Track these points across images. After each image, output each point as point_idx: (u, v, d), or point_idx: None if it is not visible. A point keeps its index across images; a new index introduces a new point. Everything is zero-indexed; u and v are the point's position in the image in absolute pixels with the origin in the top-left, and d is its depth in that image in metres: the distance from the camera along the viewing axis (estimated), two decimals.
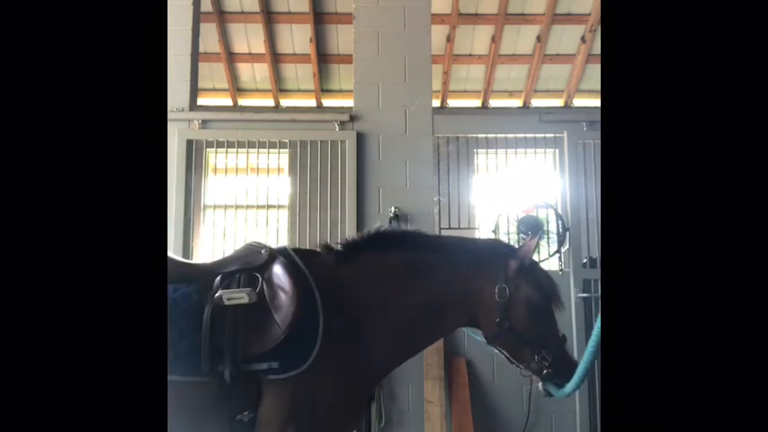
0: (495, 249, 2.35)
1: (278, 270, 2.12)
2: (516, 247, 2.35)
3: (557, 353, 2.23)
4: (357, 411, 2.24)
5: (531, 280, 2.28)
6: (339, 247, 2.31)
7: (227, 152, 4.45)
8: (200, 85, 5.58)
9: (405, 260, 2.28)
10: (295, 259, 2.18)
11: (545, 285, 2.31)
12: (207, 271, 2.16)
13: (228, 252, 2.50)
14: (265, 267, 2.16)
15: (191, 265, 2.29)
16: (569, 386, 2.11)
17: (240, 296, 2.02)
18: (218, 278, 2.12)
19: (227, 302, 2.02)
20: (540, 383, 2.28)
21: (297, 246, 4.40)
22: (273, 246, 2.27)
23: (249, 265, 2.17)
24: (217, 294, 2.03)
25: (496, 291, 2.23)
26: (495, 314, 2.23)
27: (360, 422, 2.25)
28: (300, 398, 2.00)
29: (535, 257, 4.54)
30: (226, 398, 1.99)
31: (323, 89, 7.98)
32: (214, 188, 5.72)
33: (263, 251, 2.20)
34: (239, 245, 2.43)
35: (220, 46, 7.48)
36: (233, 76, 7.81)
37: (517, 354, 2.29)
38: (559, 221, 4.89)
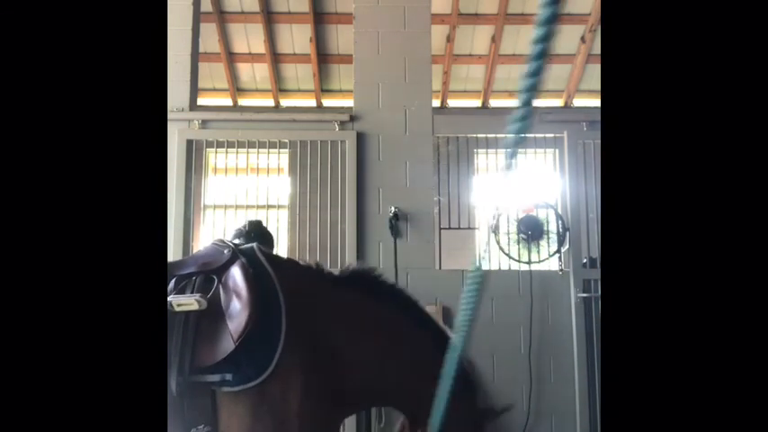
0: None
1: (236, 272, 1.93)
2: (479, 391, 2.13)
3: None
4: (334, 425, 2.07)
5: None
6: (336, 271, 2.16)
7: (227, 152, 4.45)
8: (201, 85, 5.58)
9: (389, 311, 2.09)
10: (261, 261, 1.99)
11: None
12: None
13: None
14: (224, 269, 1.98)
15: None
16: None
17: (189, 302, 1.87)
18: (173, 281, 1.96)
19: (176, 309, 1.86)
20: None
21: (297, 246, 4.43)
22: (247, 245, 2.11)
23: (208, 267, 2.00)
24: (167, 300, 1.86)
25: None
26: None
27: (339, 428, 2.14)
28: (262, 410, 1.82)
29: (534, 258, 4.50)
30: (179, 410, 1.83)
31: (323, 89, 7.98)
32: (214, 188, 5.72)
33: (225, 251, 2.03)
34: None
35: (220, 46, 7.48)
36: (233, 76, 7.81)
37: None
38: (559, 221, 4.89)
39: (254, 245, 2.10)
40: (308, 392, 1.87)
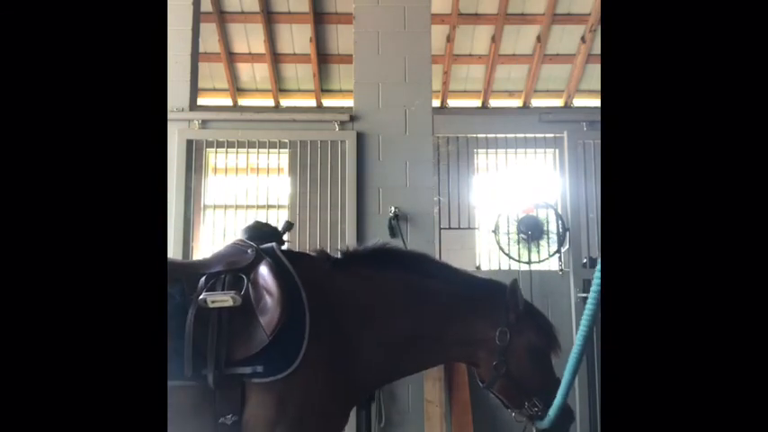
0: (498, 291, 2.29)
1: (264, 271, 2.06)
2: (518, 291, 2.28)
3: (550, 399, 2.18)
4: (344, 416, 2.19)
5: (532, 326, 2.25)
6: (339, 254, 2.27)
7: (227, 152, 4.45)
8: (201, 85, 5.58)
9: (403, 280, 2.23)
10: (282, 260, 2.12)
11: (546, 332, 2.28)
12: (191, 271, 2.09)
13: None
14: (251, 268, 2.10)
15: (175, 265, 2.21)
16: (551, 411, 2.11)
17: (224, 299, 1.97)
18: (203, 279, 2.06)
19: (210, 305, 1.97)
20: (534, 430, 2.24)
21: (297, 246, 4.43)
22: (261, 245, 2.21)
23: (235, 266, 2.11)
24: (201, 297, 1.98)
25: (497, 334, 2.19)
26: (494, 357, 2.20)
27: (345, 426, 2.20)
28: (286, 401, 1.96)
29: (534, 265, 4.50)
30: (209, 401, 1.94)
31: (323, 89, 7.97)
32: (214, 188, 5.72)
33: (249, 251, 2.14)
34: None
35: (220, 46, 7.48)
36: (233, 76, 7.81)
37: (511, 399, 2.26)
38: (559, 221, 4.89)
39: (273, 244, 2.22)
40: (329, 381, 2.02)
